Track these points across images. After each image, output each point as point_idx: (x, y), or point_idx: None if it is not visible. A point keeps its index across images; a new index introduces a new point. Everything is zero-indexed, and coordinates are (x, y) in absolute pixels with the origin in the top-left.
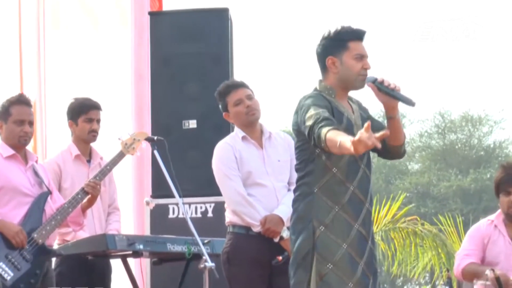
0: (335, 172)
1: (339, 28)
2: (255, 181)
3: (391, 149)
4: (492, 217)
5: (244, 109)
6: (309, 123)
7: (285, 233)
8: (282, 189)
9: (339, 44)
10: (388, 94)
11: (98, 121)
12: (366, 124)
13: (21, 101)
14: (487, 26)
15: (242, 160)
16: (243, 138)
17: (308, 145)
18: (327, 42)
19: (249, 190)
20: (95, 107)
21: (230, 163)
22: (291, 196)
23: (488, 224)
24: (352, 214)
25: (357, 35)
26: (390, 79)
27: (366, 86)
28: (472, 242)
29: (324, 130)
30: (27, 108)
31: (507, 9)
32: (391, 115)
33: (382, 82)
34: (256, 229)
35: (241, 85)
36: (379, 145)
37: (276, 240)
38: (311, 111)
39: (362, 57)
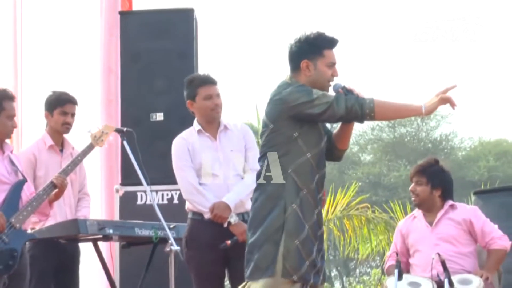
0: (308, 158)
1: (317, 34)
2: (207, 171)
3: (336, 151)
4: (415, 211)
5: (212, 105)
6: (324, 99)
7: (233, 219)
8: (233, 178)
9: (315, 50)
10: None
11: (73, 115)
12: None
13: (10, 96)
14: (487, 26)
15: (195, 151)
16: (199, 131)
17: (285, 129)
18: (304, 45)
19: (201, 180)
20: (71, 101)
21: (183, 155)
22: (242, 184)
23: (408, 218)
24: (314, 199)
25: (332, 44)
26: (356, 87)
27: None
28: (394, 239)
29: (368, 99)
30: (14, 103)
31: (508, 9)
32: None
33: (351, 91)
34: (207, 215)
35: (214, 83)
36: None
37: (225, 225)
38: (317, 92)
39: (333, 65)
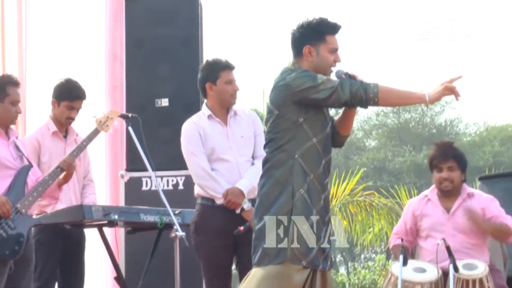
0: (314, 143)
1: (319, 20)
2: (219, 157)
3: (338, 137)
4: (427, 191)
5: (232, 90)
6: (329, 83)
7: (246, 205)
8: (244, 164)
9: (317, 36)
10: None
11: (78, 109)
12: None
13: (15, 82)
14: (487, 26)
15: (206, 136)
16: (209, 116)
17: (291, 114)
18: (306, 31)
19: (213, 165)
20: (81, 97)
21: (195, 140)
22: (253, 169)
23: (421, 198)
24: (321, 184)
25: (335, 29)
26: (359, 73)
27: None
28: (405, 217)
29: (372, 84)
30: (18, 88)
31: (508, 9)
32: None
33: (353, 77)
34: (219, 201)
35: (234, 68)
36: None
37: (238, 211)
38: (321, 77)
39: (335, 50)
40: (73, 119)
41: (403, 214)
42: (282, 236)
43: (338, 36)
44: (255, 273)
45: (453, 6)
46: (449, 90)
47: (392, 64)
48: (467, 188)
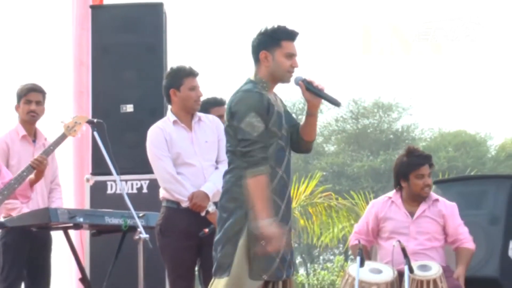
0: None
1: (276, 26)
2: (184, 161)
3: (303, 144)
4: (390, 194)
5: (196, 96)
6: (248, 130)
7: (211, 208)
8: (209, 168)
9: (273, 41)
10: (315, 93)
11: (38, 102)
12: None
13: None
14: (487, 26)
15: (172, 142)
16: (174, 122)
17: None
18: (263, 37)
19: (178, 169)
20: (34, 89)
21: (161, 145)
22: (217, 173)
23: (385, 201)
24: (280, 196)
25: (291, 35)
26: (317, 80)
27: (293, 83)
28: (367, 217)
29: (261, 169)
30: None
31: (508, 9)
32: (313, 112)
33: (310, 83)
34: (184, 204)
35: (197, 75)
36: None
37: (203, 214)
38: (250, 118)
39: (292, 55)
40: (35, 112)
41: (366, 214)
42: (231, 251)
43: (298, 33)
44: (216, 285)
45: (453, 6)
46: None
47: (392, 64)
48: (433, 195)
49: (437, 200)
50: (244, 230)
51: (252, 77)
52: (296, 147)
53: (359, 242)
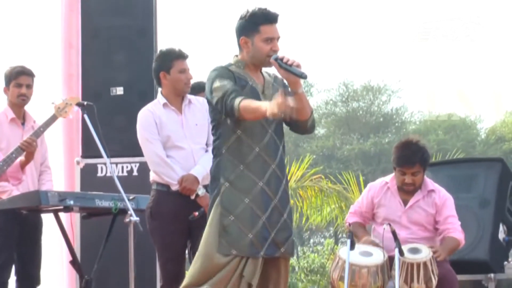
0: (239, 134)
1: (254, 10)
2: (174, 144)
3: (298, 123)
4: (387, 178)
5: (186, 79)
6: (217, 93)
7: (201, 191)
8: (199, 151)
9: (252, 27)
10: (286, 69)
11: (28, 86)
12: (279, 91)
13: None
14: (487, 26)
15: (162, 125)
16: (164, 104)
17: (216, 111)
18: (243, 22)
19: (168, 152)
20: (24, 73)
21: (151, 128)
22: (207, 156)
23: (381, 185)
24: (257, 172)
25: (269, 19)
26: (290, 56)
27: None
28: (363, 200)
29: (237, 101)
30: None
31: (508, 9)
32: (294, 90)
33: (282, 59)
34: (174, 187)
35: (187, 58)
36: (290, 108)
37: (192, 197)
38: (217, 83)
39: (271, 39)
40: (25, 95)
41: (362, 196)
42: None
43: (277, 15)
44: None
45: (453, 6)
46: (280, 105)
47: (392, 64)
48: (429, 185)
49: (433, 190)
50: (214, 205)
51: (234, 58)
52: (295, 127)
53: (349, 225)
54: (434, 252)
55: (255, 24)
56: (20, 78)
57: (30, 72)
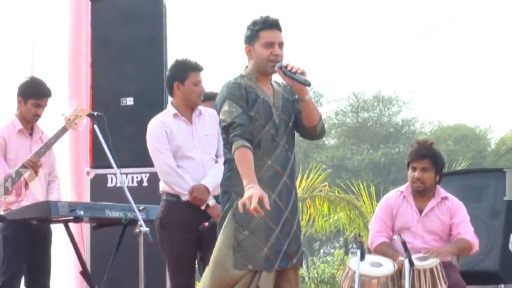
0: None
1: (255, 18)
2: (184, 154)
3: (307, 129)
4: (402, 188)
5: (199, 92)
6: (224, 118)
7: (211, 201)
8: (209, 161)
9: (253, 34)
10: (290, 77)
11: (45, 107)
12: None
13: None
14: (487, 26)
15: (172, 135)
16: (175, 115)
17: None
18: (246, 32)
19: (178, 162)
20: (47, 95)
21: (161, 137)
22: (217, 167)
23: (397, 195)
24: (269, 186)
25: (268, 24)
26: (294, 63)
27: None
28: (382, 214)
29: (236, 145)
30: None
31: (508, 9)
32: (300, 97)
33: (286, 67)
34: (185, 197)
35: (202, 70)
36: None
37: (203, 207)
38: (226, 106)
39: (271, 44)
40: (39, 116)
41: (379, 211)
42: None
43: (275, 20)
44: (205, 275)
45: (453, 6)
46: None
47: (392, 64)
48: (442, 192)
49: (446, 198)
50: (227, 219)
51: (243, 71)
52: (304, 134)
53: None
54: (439, 248)
55: (256, 31)
56: (42, 100)
57: (51, 94)
